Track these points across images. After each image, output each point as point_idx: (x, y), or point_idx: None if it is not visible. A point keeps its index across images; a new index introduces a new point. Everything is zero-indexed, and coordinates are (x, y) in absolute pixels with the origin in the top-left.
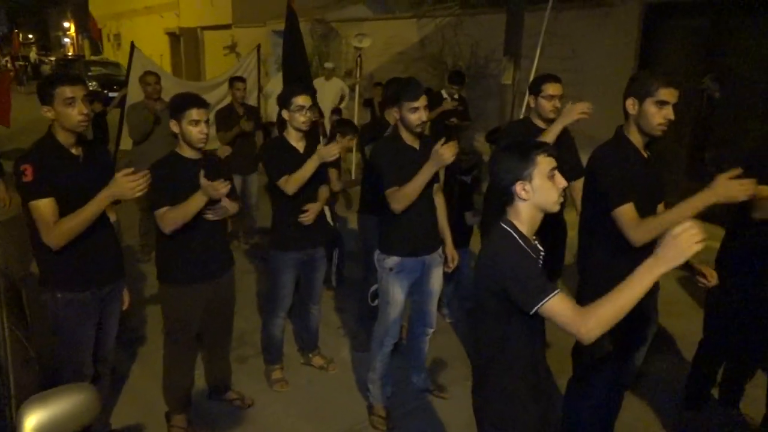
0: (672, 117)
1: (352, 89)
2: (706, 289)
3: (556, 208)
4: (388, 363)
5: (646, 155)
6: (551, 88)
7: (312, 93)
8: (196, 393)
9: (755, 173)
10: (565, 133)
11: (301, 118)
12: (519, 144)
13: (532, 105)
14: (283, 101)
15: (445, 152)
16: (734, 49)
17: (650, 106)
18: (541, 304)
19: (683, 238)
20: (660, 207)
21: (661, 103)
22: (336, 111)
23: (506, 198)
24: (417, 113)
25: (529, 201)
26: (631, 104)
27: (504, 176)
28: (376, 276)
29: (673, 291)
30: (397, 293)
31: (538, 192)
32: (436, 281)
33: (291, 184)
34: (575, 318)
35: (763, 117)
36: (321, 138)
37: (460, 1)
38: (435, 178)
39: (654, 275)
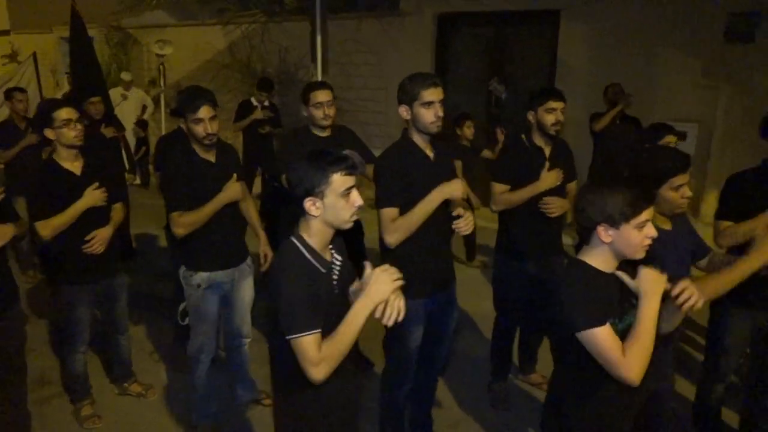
0: (441, 113)
1: (156, 99)
2: None
3: (347, 226)
4: (209, 380)
5: (432, 154)
6: (321, 95)
7: (107, 103)
8: None
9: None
10: (344, 130)
11: (71, 133)
12: (316, 158)
13: (305, 114)
14: (43, 118)
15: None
16: (513, 56)
17: (419, 109)
18: (294, 336)
19: (383, 277)
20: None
21: (428, 104)
22: (140, 123)
23: (299, 209)
24: (201, 125)
25: (320, 217)
26: (404, 111)
27: (296, 188)
28: (184, 293)
29: (476, 276)
30: (207, 309)
31: (330, 210)
32: (247, 291)
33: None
34: (313, 360)
35: None
36: (123, 153)
37: (264, 8)
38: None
39: (366, 310)
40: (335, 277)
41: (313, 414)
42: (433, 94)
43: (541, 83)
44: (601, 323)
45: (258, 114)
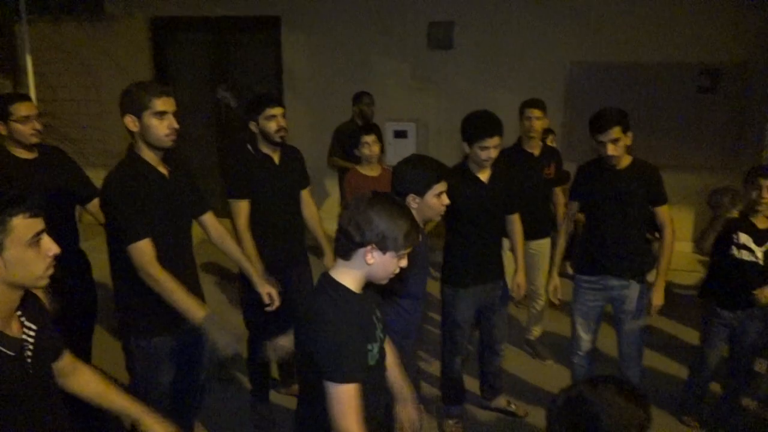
0: (176, 126)
1: None
2: None
3: (42, 284)
4: None
5: (166, 171)
6: (23, 108)
7: None
8: None
9: None
10: (55, 150)
11: None
12: None
13: (4, 132)
14: None
15: None
16: (238, 62)
17: (151, 119)
18: None
19: None
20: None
21: (160, 114)
22: None
23: None
24: None
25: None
26: (131, 122)
27: None
28: None
29: (230, 294)
30: None
31: (15, 267)
32: None
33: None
34: None
35: None
36: None
37: None
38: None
39: None
40: (29, 354)
41: None
42: (166, 103)
43: (271, 89)
44: (354, 380)
45: None
